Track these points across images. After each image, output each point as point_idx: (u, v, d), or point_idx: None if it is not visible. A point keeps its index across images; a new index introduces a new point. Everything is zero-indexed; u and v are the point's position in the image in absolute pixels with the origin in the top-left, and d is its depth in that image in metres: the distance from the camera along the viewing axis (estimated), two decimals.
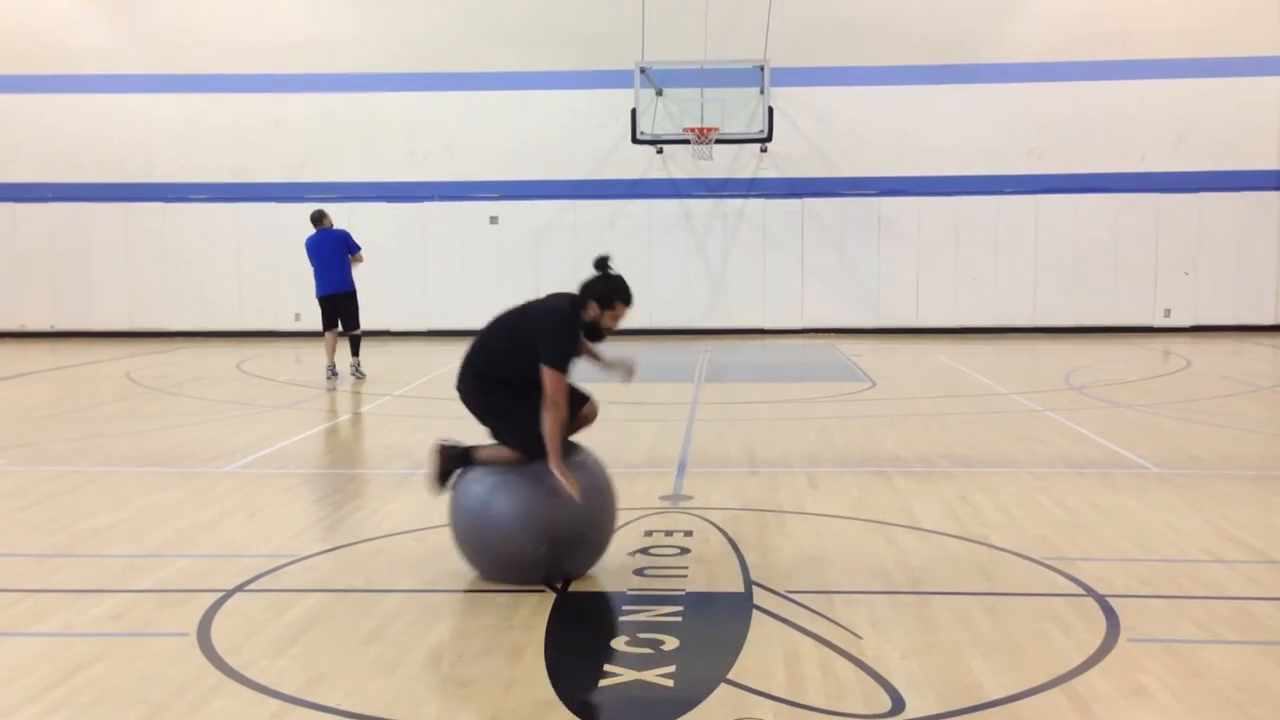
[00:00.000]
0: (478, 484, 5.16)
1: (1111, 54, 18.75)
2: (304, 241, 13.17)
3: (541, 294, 5.59)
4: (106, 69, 19.46)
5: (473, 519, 5.13)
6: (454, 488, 5.28)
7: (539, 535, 4.98)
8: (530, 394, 5.06)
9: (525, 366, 5.09)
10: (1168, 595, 5.03)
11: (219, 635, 4.56)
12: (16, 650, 4.43)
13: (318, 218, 13.22)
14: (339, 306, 13.04)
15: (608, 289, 5.17)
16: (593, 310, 5.17)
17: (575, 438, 5.36)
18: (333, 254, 12.99)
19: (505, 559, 5.09)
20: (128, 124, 19.48)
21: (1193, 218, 18.93)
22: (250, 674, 4.15)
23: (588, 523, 5.13)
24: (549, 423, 4.98)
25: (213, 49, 19.31)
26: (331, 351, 13.12)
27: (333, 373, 13.03)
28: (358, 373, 13.25)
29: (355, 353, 13.35)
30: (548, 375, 5.01)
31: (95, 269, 19.65)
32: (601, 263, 5.25)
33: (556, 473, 4.98)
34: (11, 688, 4.05)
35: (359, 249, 13.12)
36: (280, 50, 19.29)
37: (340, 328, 13.08)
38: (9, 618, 4.85)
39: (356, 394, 12.11)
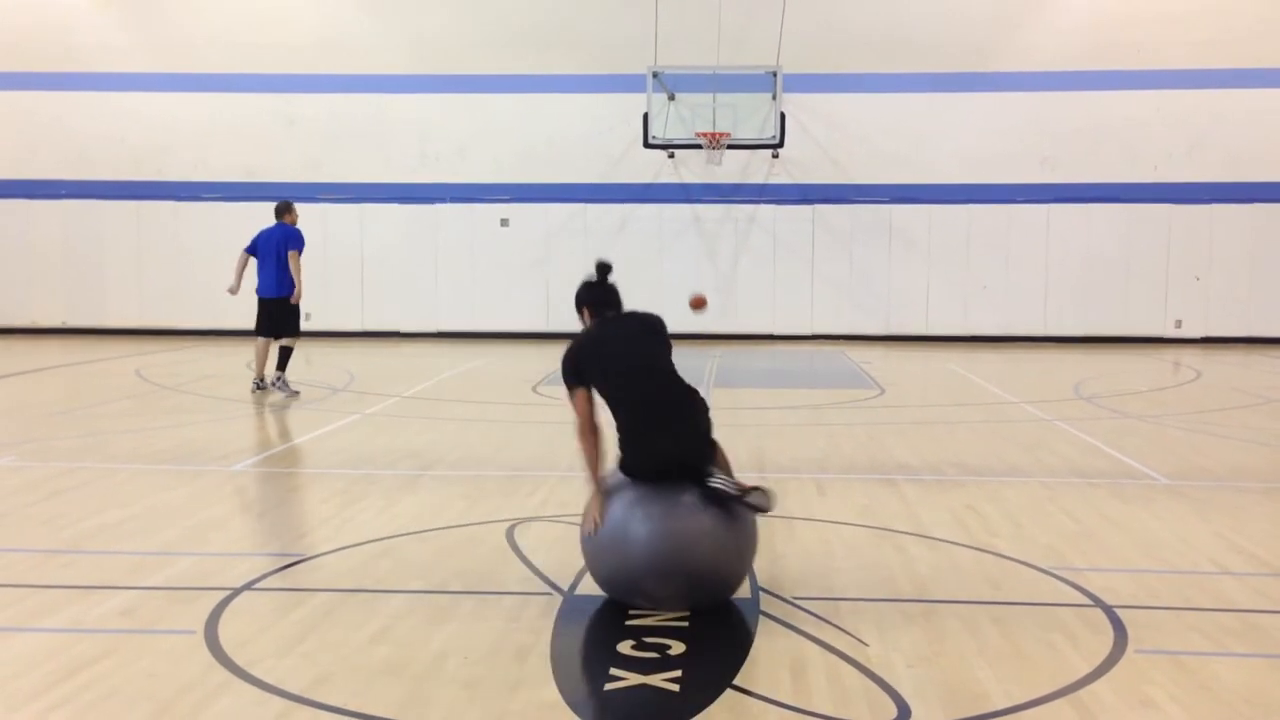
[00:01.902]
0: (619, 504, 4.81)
1: (1125, 64, 18.73)
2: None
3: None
4: (121, 68, 19.56)
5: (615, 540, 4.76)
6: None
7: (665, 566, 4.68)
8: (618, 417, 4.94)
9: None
10: (1176, 607, 5.01)
11: (226, 633, 4.56)
12: (24, 645, 4.45)
13: (279, 210, 12.01)
14: (271, 312, 11.78)
15: (579, 294, 5.17)
16: (586, 316, 5.14)
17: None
18: (270, 253, 11.73)
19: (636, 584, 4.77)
20: (142, 123, 19.57)
21: (1204, 229, 18.89)
22: (257, 672, 4.16)
23: (714, 557, 4.75)
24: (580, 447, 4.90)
25: (227, 50, 19.39)
26: (261, 361, 11.84)
27: (259, 385, 11.76)
28: (281, 386, 11.67)
29: (281, 365, 11.81)
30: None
31: (107, 267, 19.73)
32: (602, 269, 5.21)
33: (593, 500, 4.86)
34: (19, 683, 4.06)
35: (299, 248, 11.79)
36: (294, 51, 19.36)
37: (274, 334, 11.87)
38: (17, 613, 4.86)
39: (364, 395, 12.13)
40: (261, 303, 11.86)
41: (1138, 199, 18.91)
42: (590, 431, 4.86)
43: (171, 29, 19.57)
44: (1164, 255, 18.98)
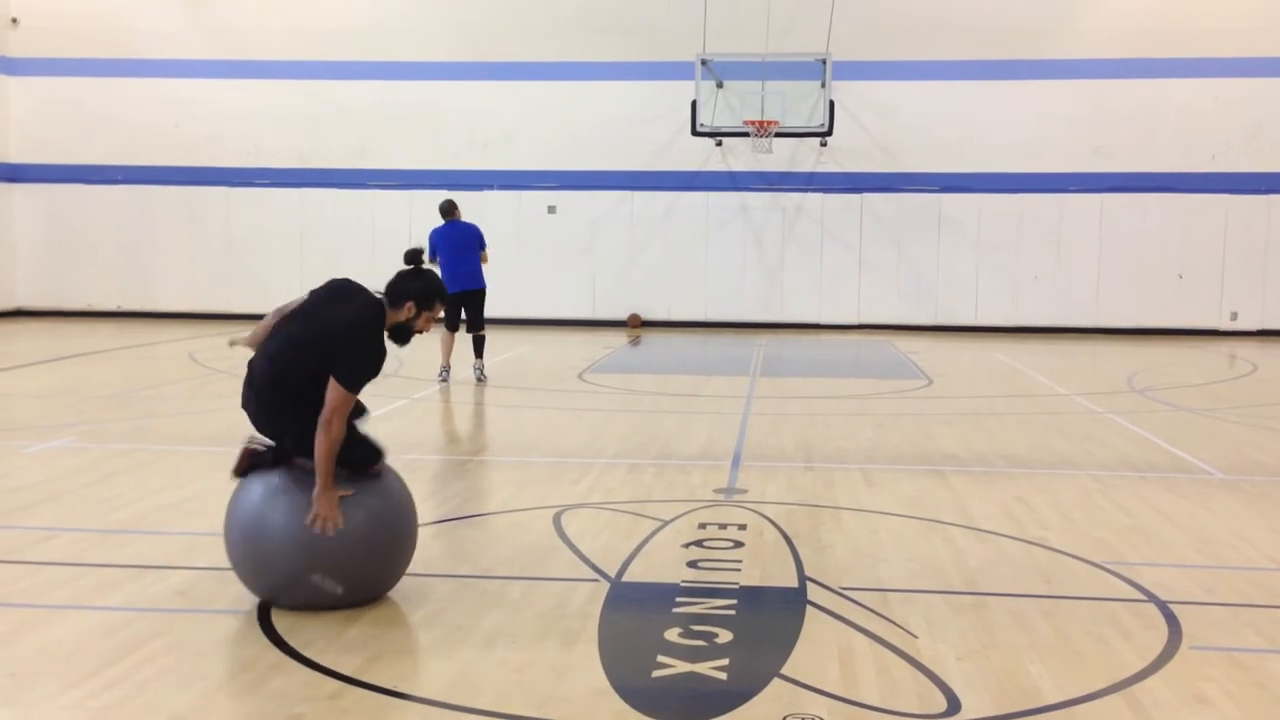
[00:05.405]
0: (258, 489, 4.70)
1: (1180, 51, 18.39)
2: (429, 233, 12.24)
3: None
4: (175, 55, 19.78)
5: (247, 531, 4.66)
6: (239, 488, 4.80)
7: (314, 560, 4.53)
8: (315, 406, 4.51)
9: (314, 371, 4.54)
10: (1231, 603, 4.93)
11: (279, 614, 4.61)
12: (80, 624, 4.53)
13: (448, 208, 12.31)
14: (469, 304, 12.16)
15: (427, 288, 4.76)
16: (407, 311, 4.73)
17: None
18: (467, 249, 12.07)
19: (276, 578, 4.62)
20: (195, 110, 19.79)
21: (1262, 219, 18.53)
22: (309, 653, 4.20)
23: (370, 545, 4.67)
24: (323, 445, 4.45)
25: (278, 37, 19.56)
26: (449, 351, 12.12)
27: (445, 375, 12.00)
28: (481, 376, 12.15)
29: (480, 354, 12.30)
30: (336, 393, 4.47)
31: (161, 251, 20.01)
32: (414, 256, 4.91)
33: (321, 504, 4.51)
34: (75, 660, 4.13)
35: (484, 247, 12.31)
36: (344, 38, 19.49)
37: (465, 328, 12.22)
38: (74, 591, 4.95)
39: (411, 380, 12.20)
40: (459, 297, 11.93)
41: (1193, 189, 18.58)
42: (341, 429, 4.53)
43: (225, 16, 19.76)
44: (1220, 246, 18.65)
